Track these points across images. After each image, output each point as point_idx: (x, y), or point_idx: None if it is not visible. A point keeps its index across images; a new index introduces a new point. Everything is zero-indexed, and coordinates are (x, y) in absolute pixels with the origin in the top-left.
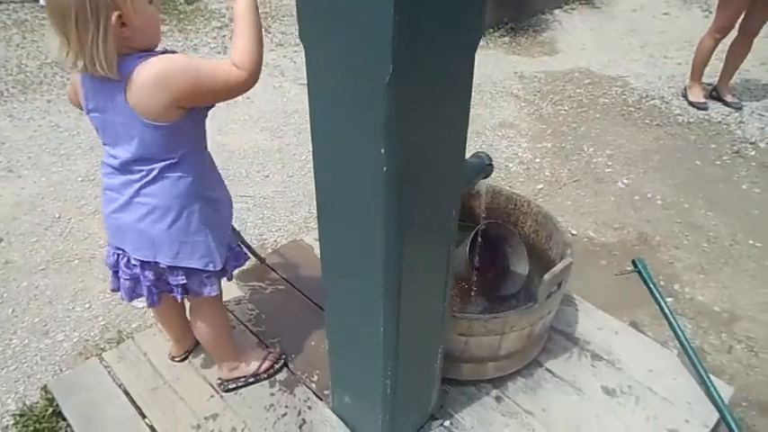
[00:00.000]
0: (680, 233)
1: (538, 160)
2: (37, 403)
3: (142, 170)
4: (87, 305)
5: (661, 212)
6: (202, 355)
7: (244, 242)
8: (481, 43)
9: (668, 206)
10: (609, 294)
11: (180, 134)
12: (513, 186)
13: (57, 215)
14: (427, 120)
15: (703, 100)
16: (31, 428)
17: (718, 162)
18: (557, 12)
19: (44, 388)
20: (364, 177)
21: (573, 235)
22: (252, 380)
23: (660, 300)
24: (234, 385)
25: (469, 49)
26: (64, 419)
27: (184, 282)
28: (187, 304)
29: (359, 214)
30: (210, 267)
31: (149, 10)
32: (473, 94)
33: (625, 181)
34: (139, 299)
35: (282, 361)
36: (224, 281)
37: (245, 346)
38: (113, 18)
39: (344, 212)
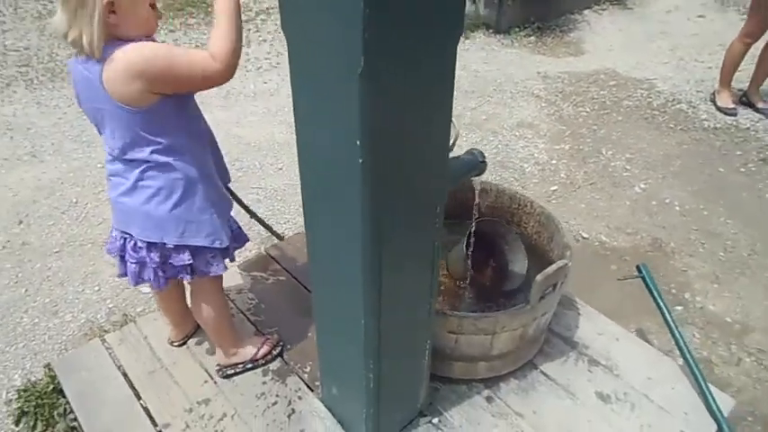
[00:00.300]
0: (696, 241)
1: (554, 162)
2: (41, 380)
3: (138, 155)
4: (96, 288)
5: (678, 219)
6: (200, 341)
7: (261, 221)
8: (506, 42)
9: (686, 213)
10: (616, 300)
11: (160, 118)
12: (527, 187)
13: (74, 200)
14: (404, 113)
15: (732, 105)
16: (33, 404)
17: (742, 169)
18: (586, 12)
19: (47, 366)
20: (343, 168)
21: (584, 238)
22: (250, 365)
23: (662, 306)
24: (232, 371)
25: (448, 45)
26: (64, 397)
27: (190, 261)
28: (188, 289)
29: (339, 205)
30: (217, 244)
31: (143, 8)
32: (492, 93)
33: (642, 185)
34: (145, 284)
35: (280, 347)
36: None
37: (243, 333)
38: (104, 1)
39: (326, 203)
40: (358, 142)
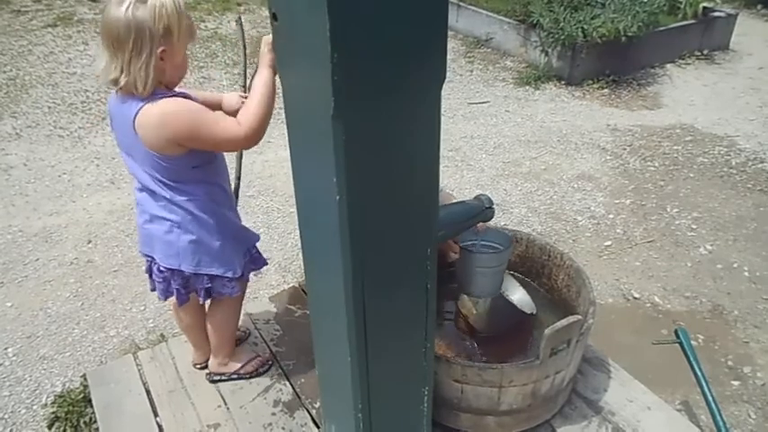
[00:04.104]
0: (764, 311)
1: (611, 216)
2: (76, 388)
3: (158, 191)
4: (142, 308)
5: (746, 285)
6: None
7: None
8: (577, 94)
9: (756, 280)
10: (663, 367)
11: (183, 168)
12: (578, 241)
13: None
14: (383, 154)
15: None
16: (65, 410)
17: None
18: (668, 66)
19: (83, 376)
20: (324, 205)
21: (635, 299)
22: (235, 376)
23: (701, 377)
24: (218, 378)
25: (429, 90)
26: (91, 406)
27: (209, 285)
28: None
29: (323, 243)
30: (230, 274)
31: (182, 55)
32: (556, 143)
33: (709, 247)
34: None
35: (267, 366)
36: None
37: (238, 348)
38: (159, 51)
39: (314, 240)
40: (334, 179)
